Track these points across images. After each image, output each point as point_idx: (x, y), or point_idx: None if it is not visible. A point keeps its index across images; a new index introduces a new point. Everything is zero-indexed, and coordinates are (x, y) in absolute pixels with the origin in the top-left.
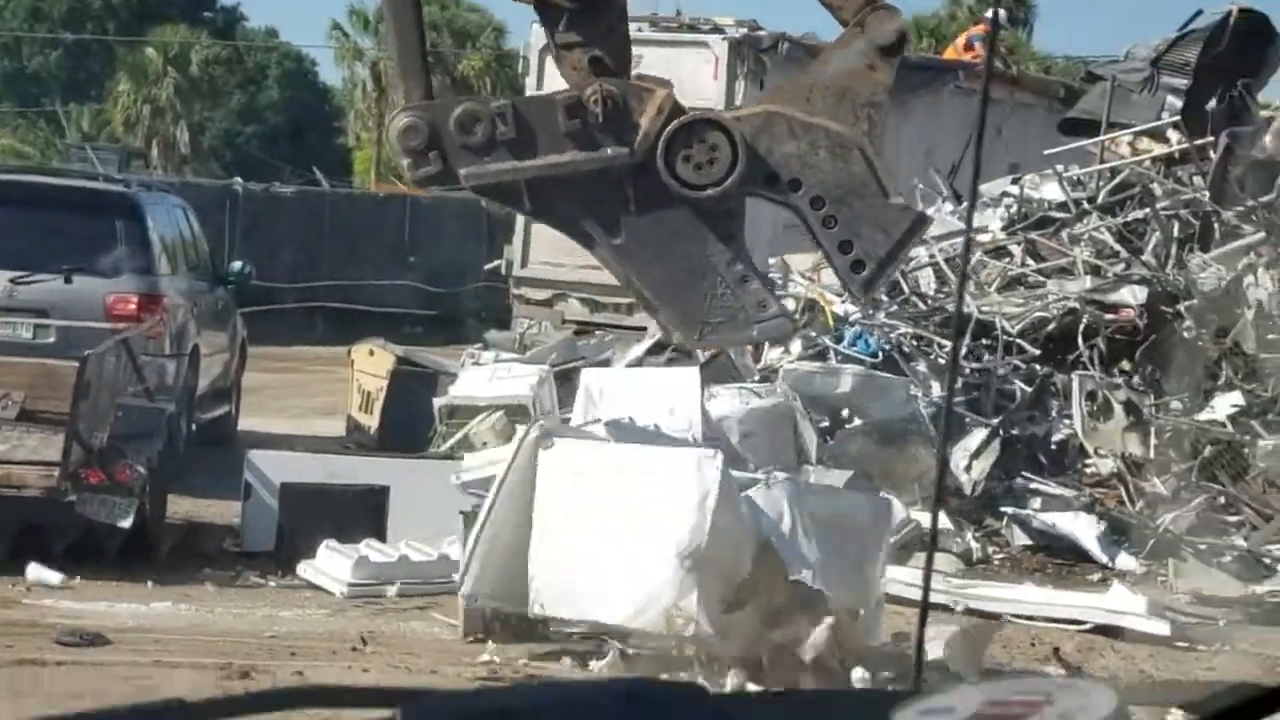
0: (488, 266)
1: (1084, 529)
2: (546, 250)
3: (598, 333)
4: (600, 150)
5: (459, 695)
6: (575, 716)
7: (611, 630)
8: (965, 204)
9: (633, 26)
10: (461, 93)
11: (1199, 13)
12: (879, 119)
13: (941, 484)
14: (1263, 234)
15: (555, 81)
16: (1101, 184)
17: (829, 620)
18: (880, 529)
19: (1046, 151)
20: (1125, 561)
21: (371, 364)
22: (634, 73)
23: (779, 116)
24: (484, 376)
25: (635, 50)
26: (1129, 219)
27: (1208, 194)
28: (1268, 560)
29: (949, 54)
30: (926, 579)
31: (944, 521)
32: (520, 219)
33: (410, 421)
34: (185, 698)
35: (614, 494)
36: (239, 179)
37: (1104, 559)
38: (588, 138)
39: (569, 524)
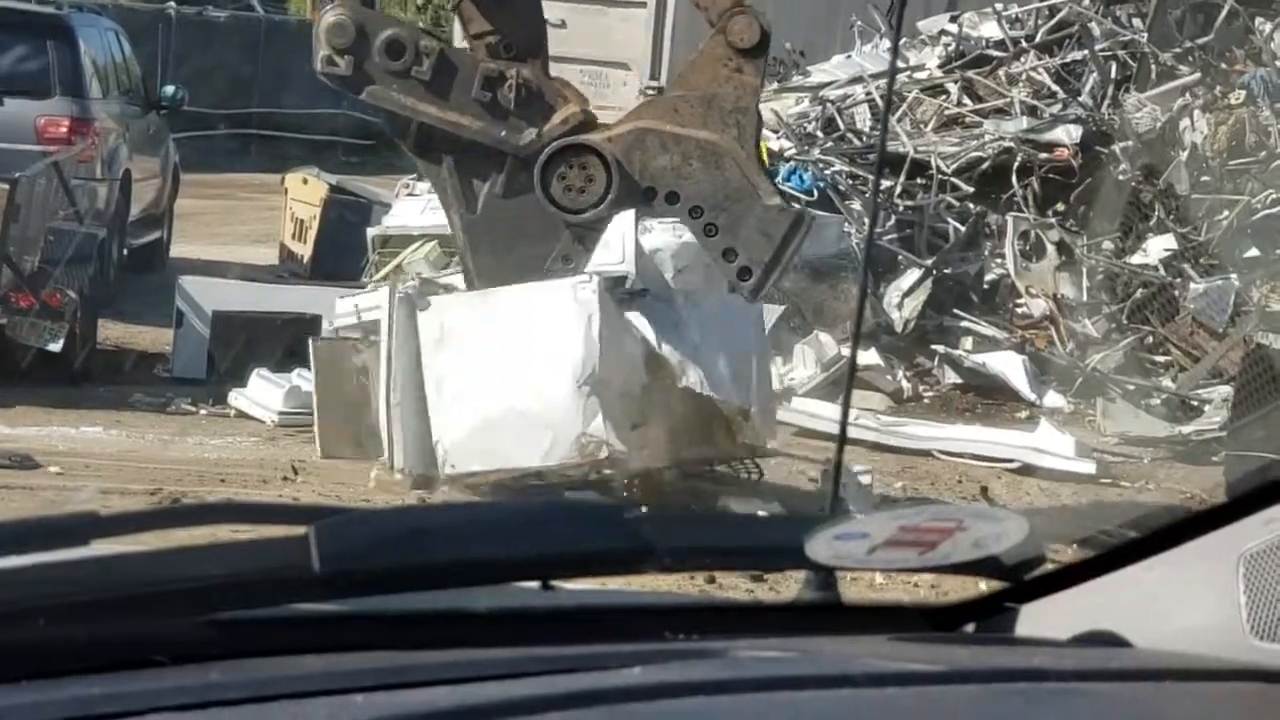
0: None
1: (1014, 368)
2: None
3: None
4: (497, 130)
5: (374, 514)
6: (490, 537)
7: (528, 473)
8: (901, 41)
9: None
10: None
11: None
12: (748, 122)
13: (861, 317)
14: (1199, 75)
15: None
16: (1040, 23)
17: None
18: (759, 329)
19: None
20: (1053, 401)
21: (305, 192)
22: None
23: (650, 132)
24: (418, 207)
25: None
26: (1067, 59)
27: (1146, 35)
28: (1195, 402)
29: None
30: (844, 411)
31: (875, 359)
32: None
33: (343, 251)
34: (99, 511)
35: (499, 341)
36: (172, 3)
37: (1032, 398)
38: (493, 113)
39: (462, 381)
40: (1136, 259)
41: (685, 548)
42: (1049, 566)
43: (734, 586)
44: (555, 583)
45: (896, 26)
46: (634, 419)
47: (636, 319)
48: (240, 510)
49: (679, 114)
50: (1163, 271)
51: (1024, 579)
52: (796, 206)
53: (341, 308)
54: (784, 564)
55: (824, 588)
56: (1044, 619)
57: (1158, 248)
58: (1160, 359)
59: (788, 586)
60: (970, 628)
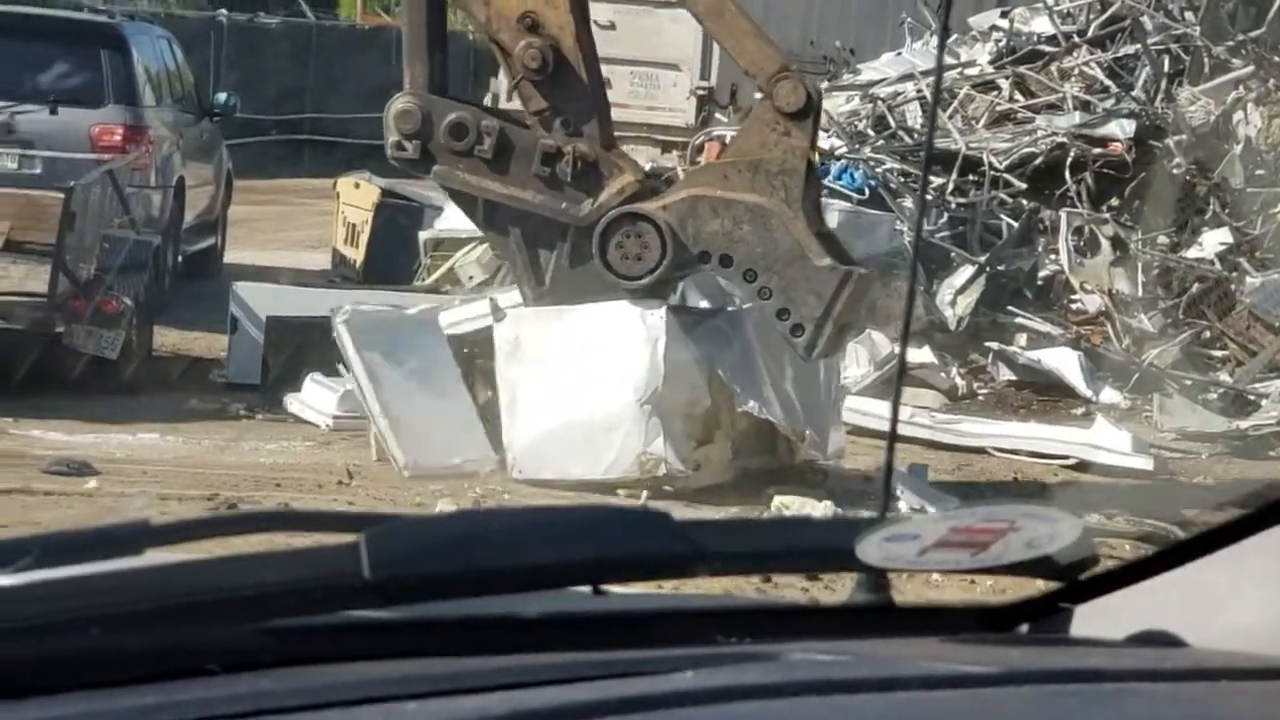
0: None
1: (1069, 364)
2: None
3: None
4: (557, 203)
5: (425, 520)
6: (540, 541)
7: (591, 485)
8: (952, 38)
9: None
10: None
11: None
12: (794, 184)
13: (909, 315)
14: (1252, 68)
15: None
16: (1092, 17)
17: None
18: (833, 362)
19: None
20: (1109, 397)
21: (357, 197)
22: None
23: (701, 198)
24: None
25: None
26: (1119, 53)
27: (1198, 28)
28: (1252, 396)
29: None
30: (895, 410)
31: (929, 357)
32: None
33: (395, 254)
34: (151, 519)
35: (569, 357)
36: (224, 10)
37: (1088, 394)
38: (553, 186)
39: (531, 392)
40: (1192, 253)
41: (736, 551)
42: (1104, 566)
43: (789, 585)
44: (606, 587)
45: (944, 22)
46: (696, 437)
47: (702, 344)
48: (291, 517)
49: (728, 180)
50: (1218, 266)
51: (1078, 579)
52: (846, 266)
53: (453, 316)
54: (835, 566)
55: (876, 589)
56: (1099, 619)
57: (1213, 242)
58: (1217, 354)
59: (843, 585)
60: (1024, 629)
